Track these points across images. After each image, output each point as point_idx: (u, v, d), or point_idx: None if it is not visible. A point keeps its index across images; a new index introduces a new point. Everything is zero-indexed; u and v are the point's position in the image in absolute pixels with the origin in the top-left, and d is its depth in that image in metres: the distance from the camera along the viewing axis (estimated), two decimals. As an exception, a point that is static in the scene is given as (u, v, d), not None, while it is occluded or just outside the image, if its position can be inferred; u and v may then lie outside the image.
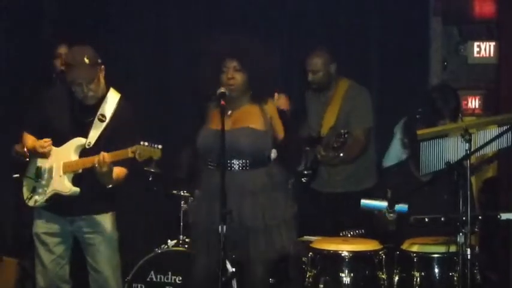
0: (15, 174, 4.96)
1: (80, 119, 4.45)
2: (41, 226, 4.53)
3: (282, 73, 6.34)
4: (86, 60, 4.31)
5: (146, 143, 4.18)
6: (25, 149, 4.60)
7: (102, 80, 4.46)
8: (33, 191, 4.50)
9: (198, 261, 4.43)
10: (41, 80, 5.74)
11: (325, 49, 5.44)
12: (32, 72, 5.93)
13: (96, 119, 4.42)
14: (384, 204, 4.38)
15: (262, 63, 4.44)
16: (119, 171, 4.40)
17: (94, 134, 4.41)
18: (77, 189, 4.40)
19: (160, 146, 4.22)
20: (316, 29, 6.20)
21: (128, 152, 4.19)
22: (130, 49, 6.31)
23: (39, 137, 4.48)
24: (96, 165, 4.22)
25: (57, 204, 4.45)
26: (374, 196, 4.72)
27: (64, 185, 4.40)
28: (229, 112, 4.42)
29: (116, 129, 4.40)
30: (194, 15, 6.27)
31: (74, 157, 4.40)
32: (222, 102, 4.22)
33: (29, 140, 4.52)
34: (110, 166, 4.25)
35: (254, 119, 4.43)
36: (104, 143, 4.35)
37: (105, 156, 4.21)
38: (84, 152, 4.40)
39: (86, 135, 4.41)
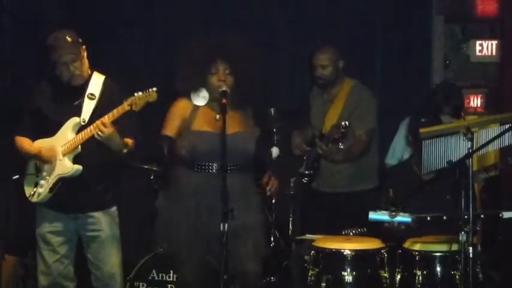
0: (15, 175, 4.92)
1: (69, 103, 4.45)
2: (45, 226, 4.52)
3: (285, 73, 6.37)
4: (69, 39, 4.38)
5: (140, 92, 4.22)
6: (25, 152, 4.55)
7: (86, 60, 4.49)
8: (36, 186, 4.49)
9: (186, 264, 4.40)
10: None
11: (332, 46, 5.44)
12: (35, 74, 5.92)
13: (85, 99, 4.44)
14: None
15: (252, 68, 4.40)
16: (126, 140, 4.41)
17: (87, 111, 4.42)
18: (79, 167, 4.37)
19: (155, 89, 4.24)
20: (317, 28, 6.19)
21: (124, 106, 4.23)
22: (134, 49, 6.32)
23: (34, 134, 4.49)
24: (97, 131, 4.25)
25: (61, 201, 4.44)
26: (378, 196, 4.75)
27: (65, 166, 4.38)
28: (218, 116, 4.36)
29: (107, 103, 4.39)
30: (197, 14, 6.26)
31: (72, 136, 4.40)
32: (224, 101, 4.20)
33: (26, 143, 4.51)
34: (112, 127, 4.26)
35: (242, 123, 4.40)
36: (99, 117, 4.33)
37: (103, 119, 4.24)
38: (80, 131, 4.39)
39: (78, 116, 4.42)
